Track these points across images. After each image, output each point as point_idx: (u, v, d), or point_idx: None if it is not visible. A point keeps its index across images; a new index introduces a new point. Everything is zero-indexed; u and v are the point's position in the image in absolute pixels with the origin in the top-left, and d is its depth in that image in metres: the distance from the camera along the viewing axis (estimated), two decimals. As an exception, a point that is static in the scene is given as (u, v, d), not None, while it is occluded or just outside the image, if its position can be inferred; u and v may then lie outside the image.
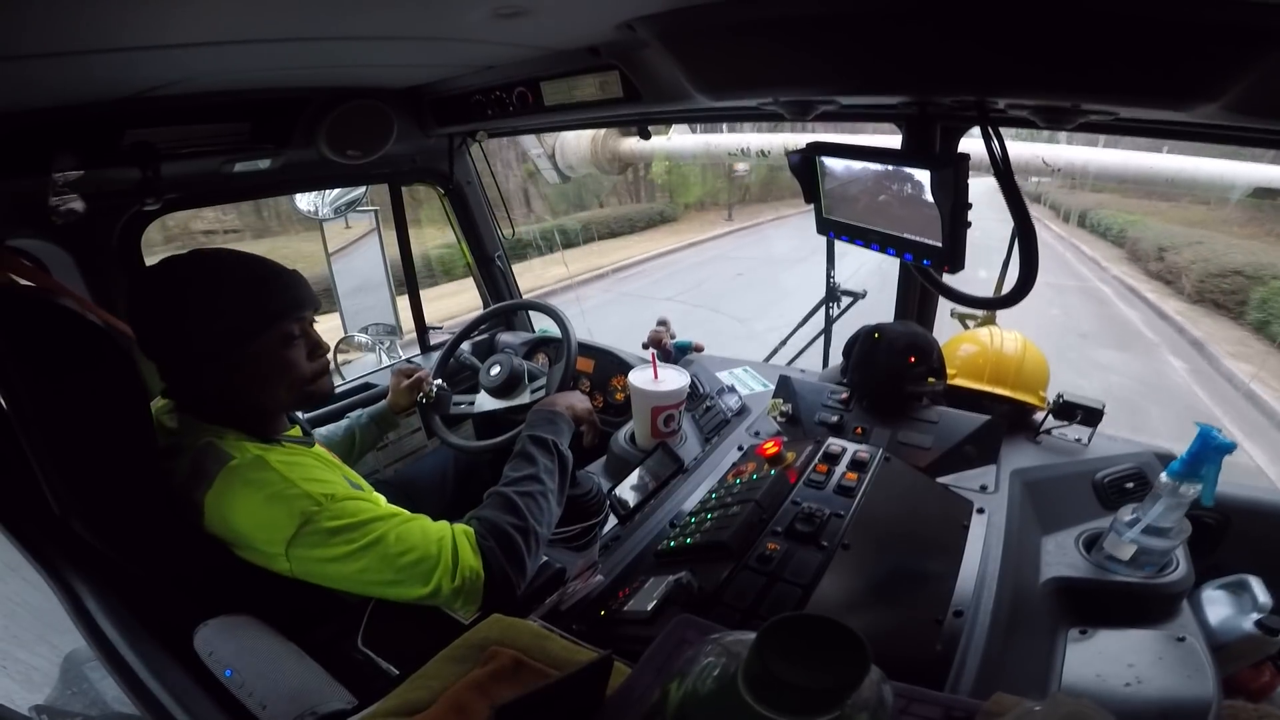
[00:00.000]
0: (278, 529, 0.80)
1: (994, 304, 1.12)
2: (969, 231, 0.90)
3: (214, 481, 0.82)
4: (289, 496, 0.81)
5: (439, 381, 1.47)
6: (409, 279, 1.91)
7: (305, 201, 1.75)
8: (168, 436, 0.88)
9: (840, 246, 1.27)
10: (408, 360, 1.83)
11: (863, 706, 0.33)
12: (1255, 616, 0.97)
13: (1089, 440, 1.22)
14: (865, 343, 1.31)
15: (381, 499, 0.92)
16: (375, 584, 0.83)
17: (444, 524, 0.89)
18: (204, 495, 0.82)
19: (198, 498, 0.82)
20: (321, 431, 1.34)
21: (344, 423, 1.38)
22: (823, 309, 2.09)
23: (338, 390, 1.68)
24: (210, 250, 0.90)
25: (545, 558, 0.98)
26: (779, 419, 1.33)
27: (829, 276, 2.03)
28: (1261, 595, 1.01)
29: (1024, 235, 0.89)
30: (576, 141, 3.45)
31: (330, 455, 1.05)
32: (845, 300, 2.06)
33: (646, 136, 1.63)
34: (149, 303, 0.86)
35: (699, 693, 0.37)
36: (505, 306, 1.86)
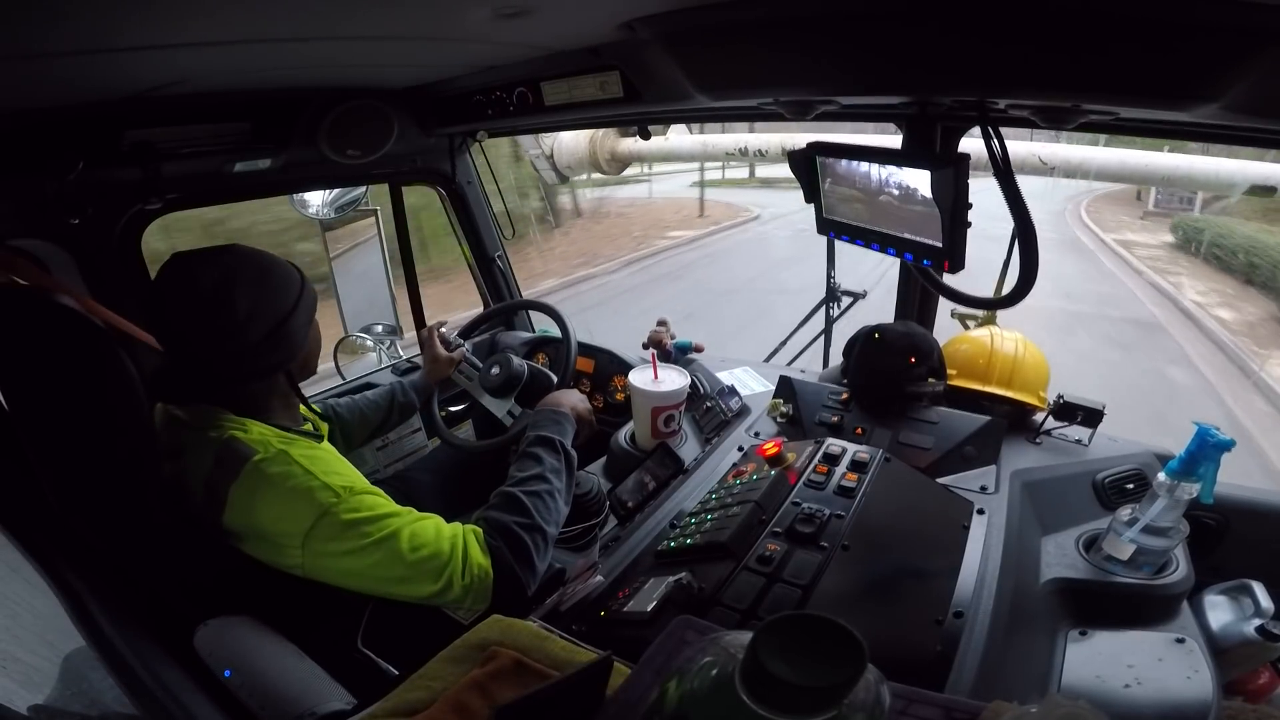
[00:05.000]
0: (297, 521, 0.81)
1: (994, 304, 1.12)
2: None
3: (240, 475, 0.82)
4: (310, 489, 0.82)
5: (469, 356, 1.49)
6: (409, 279, 1.91)
7: (312, 208, 1.74)
8: (184, 432, 0.88)
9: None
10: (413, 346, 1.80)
11: (860, 706, 0.33)
12: (1257, 622, 0.97)
13: (1089, 441, 1.22)
14: (865, 343, 1.31)
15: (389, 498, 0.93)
16: (386, 580, 0.83)
17: (456, 524, 0.90)
18: (230, 489, 0.82)
19: (223, 491, 0.83)
20: (365, 396, 1.37)
21: (382, 389, 1.40)
22: (823, 309, 2.09)
23: (338, 390, 1.68)
24: (233, 245, 0.90)
25: None
26: (779, 419, 1.33)
27: (829, 276, 2.03)
28: (1264, 600, 1.01)
29: (1024, 235, 0.90)
30: (574, 142, 3.44)
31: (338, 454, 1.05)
32: (845, 300, 2.06)
33: (647, 136, 1.63)
34: (238, 283, 0.85)
35: (697, 691, 0.37)
36: (506, 306, 1.86)
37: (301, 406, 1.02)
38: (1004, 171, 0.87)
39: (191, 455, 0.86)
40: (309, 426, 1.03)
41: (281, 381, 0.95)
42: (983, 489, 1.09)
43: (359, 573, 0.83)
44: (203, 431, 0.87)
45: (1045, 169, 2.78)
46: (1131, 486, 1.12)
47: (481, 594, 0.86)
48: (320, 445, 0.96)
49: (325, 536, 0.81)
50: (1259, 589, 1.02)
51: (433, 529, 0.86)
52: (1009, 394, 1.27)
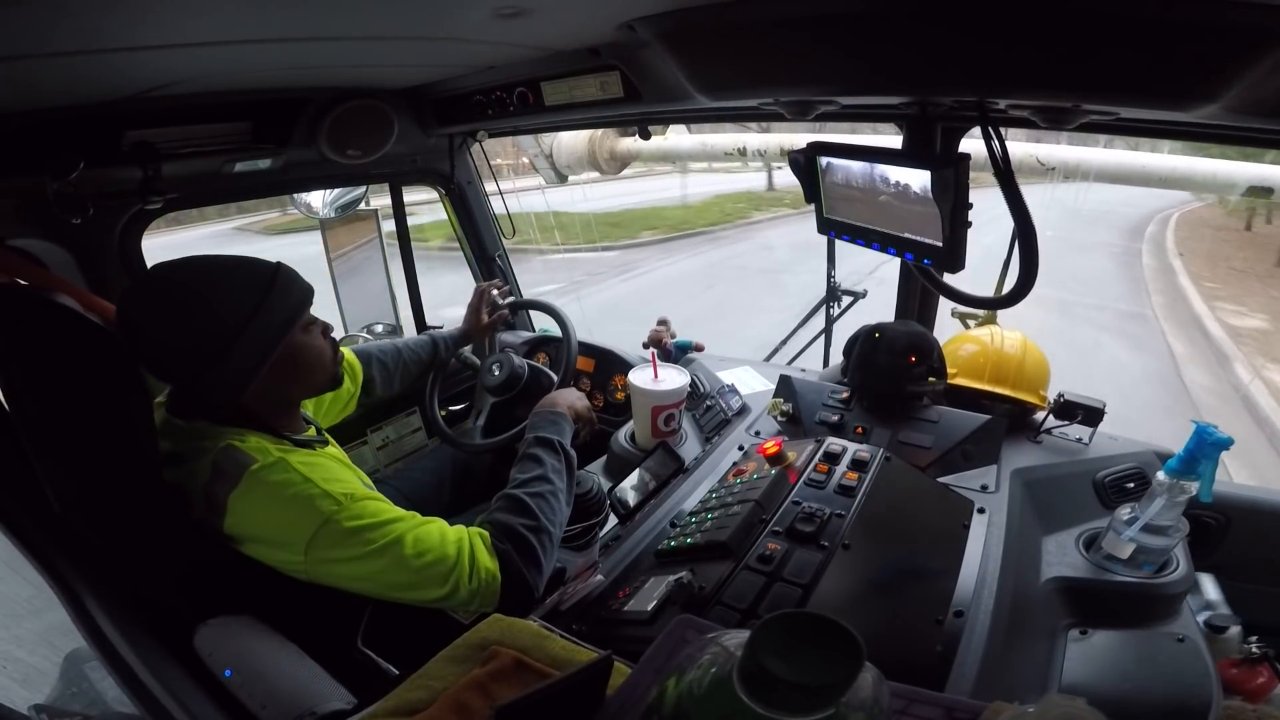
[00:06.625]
0: (298, 529, 0.81)
1: (994, 304, 1.12)
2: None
3: (239, 483, 0.82)
4: (310, 496, 0.82)
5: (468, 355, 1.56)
6: (409, 278, 1.91)
7: (313, 208, 1.74)
8: (183, 440, 0.88)
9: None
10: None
11: (859, 706, 0.33)
12: (1205, 615, 0.97)
13: (1090, 440, 1.22)
14: (866, 342, 1.31)
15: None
16: (392, 585, 0.83)
17: (460, 527, 0.89)
18: (228, 497, 0.82)
19: (222, 499, 0.82)
20: (408, 345, 1.39)
21: (423, 339, 1.42)
22: (823, 309, 2.09)
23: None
24: (202, 257, 0.88)
25: None
26: (779, 418, 1.33)
27: (829, 276, 2.03)
28: (1211, 593, 1.00)
29: (1024, 235, 0.90)
30: (572, 141, 3.43)
31: (345, 456, 1.04)
32: (845, 300, 2.06)
33: (647, 136, 1.63)
34: (166, 317, 0.83)
35: (695, 689, 0.37)
36: (532, 302, 1.86)
37: (305, 407, 1.02)
38: (1004, 172, 0.87)
39: (190, 462, 0.86)
40: (311, 432, 1.03)
41: (288, 379, 0.92)
42: (983, 488, 1.09)
43: (364, 578, 0.83)
44: (200, 439, 0.86)
45: (1041, 169, 2.78)
46: (1132, 485, 1.12)
47: (489, 597, 0.85)
48: (321, 452, 0.95)
49: (328, 544, 0.81)
50: (1207, 580, 1.02)
51: (437, 533, 0.86)
52: (1009, 393, 1.27)
